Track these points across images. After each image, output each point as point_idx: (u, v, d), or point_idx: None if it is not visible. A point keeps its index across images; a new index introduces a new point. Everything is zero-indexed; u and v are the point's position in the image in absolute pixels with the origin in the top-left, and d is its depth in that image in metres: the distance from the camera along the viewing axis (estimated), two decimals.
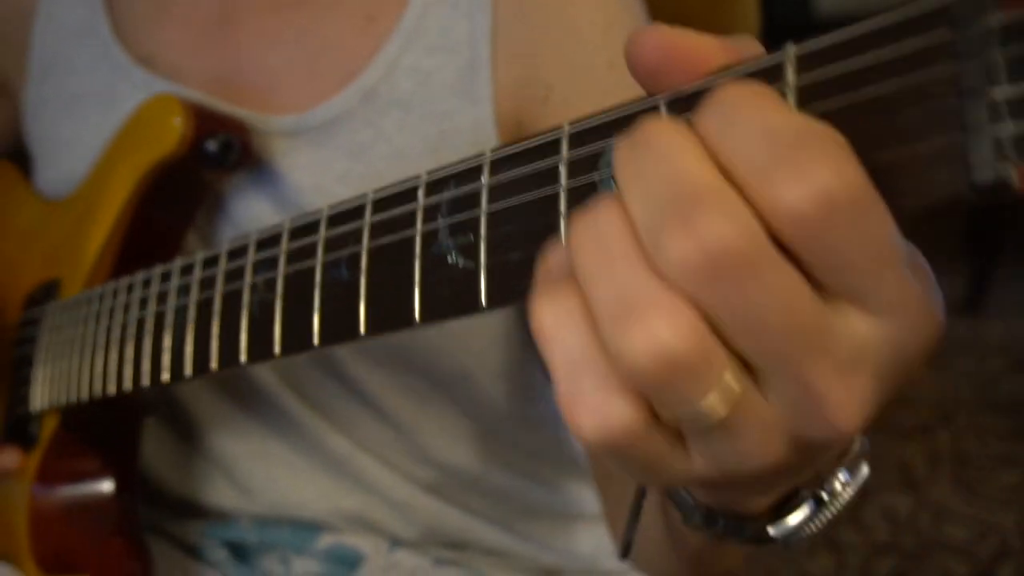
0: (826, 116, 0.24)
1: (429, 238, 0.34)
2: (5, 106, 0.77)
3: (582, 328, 0.25)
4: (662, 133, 0.24)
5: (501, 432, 0.70)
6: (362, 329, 0.37)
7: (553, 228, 0.30)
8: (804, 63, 0.25)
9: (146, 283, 0.51)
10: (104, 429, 0.61)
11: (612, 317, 0.24)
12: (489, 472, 0.70)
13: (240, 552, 0.71)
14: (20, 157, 0.77)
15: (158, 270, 0.51)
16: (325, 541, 0.69)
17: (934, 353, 0.25)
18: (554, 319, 0.26)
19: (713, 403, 0.24)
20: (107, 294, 0.55)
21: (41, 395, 0.60)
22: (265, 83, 0.63)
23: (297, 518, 0.69)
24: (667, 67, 0.27)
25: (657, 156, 0.24)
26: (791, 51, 0.25)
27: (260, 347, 0.42)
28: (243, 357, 0.43)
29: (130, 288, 0.53)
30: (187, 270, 0.48)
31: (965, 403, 1.92)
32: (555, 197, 0.30)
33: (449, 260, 0.34)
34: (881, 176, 0.23)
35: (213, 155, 0.57)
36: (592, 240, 0.25)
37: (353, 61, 0.61)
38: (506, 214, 0.32)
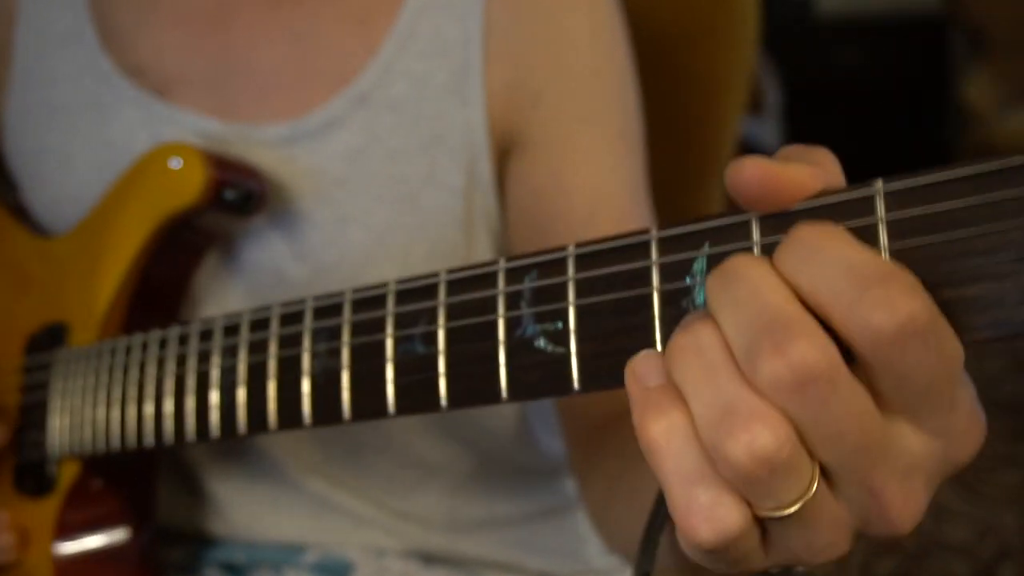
0: (913, 251, 0.28)
1: (512, 323, 0.37)
2: None
3: (690, 438, 0.29)
4: (751, 267, 0.29)
5: (492, 462, 0.73)
6: (443, 401, 0.39)
7: (645, 327, 0.33)
8: (893, 199, 0.29)
9: (182, 339, 0.52)
10: (124, 474, 0.62)
11: (717, 424, 0.28)
12: (473, 499, 0.73)
13: (233, 569, 0.73)
14: None
15: (195, 327, 0.52)
16: (313, 555, 0.71)
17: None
18: (663, 432, 0.29)
19: (798, 500, 0.28)
20: (135, 346, 0.55)
21: (61, 442, 0.60)
22: (258, 87, 0.63)
23: (284, 543, 0.72)
24: (766, 196, 0.30)
25: (749, 289, 0.28)
26: (879, 186, 0.29)
27: (326, 412, 0.44)
28: (307, 420, 0.45)
29: (163, 343, 0.54)
30: (232, 330, 0.49)
31: None
32: (648, 297, 0.34)
33: (537, 345, 0.36)
34: (960, 310, 0.27)
35: (232, 204, 0.58)
36: (694, 354, 0.29)
37: (347, 64, 0.62)
38: (596, 307, 0.35)
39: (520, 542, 0.74)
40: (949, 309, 0.27)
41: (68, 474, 0.61)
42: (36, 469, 0.62)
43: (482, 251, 0.65)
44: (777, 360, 0.27)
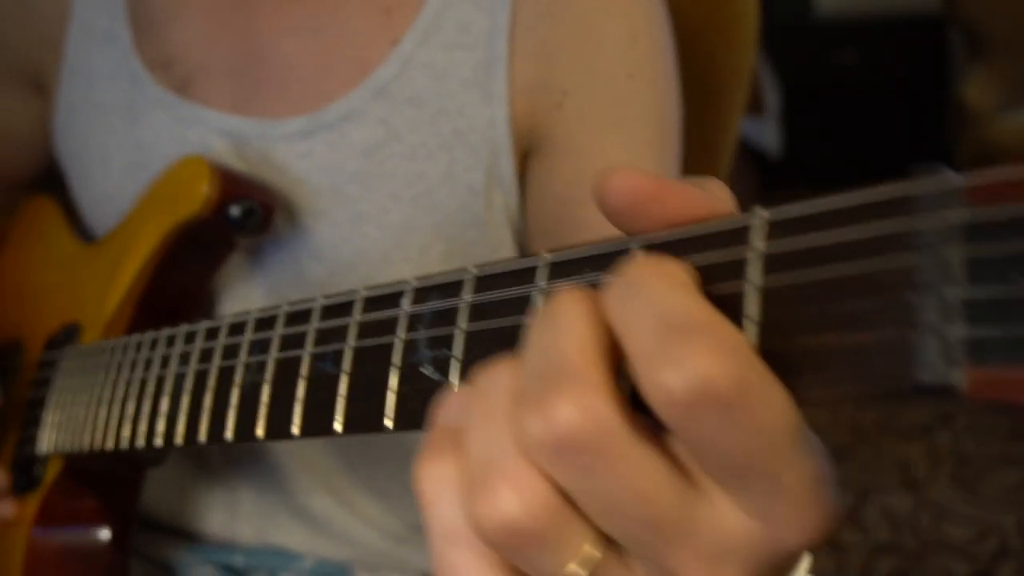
0: (786, 289, 0.24)
1: (410, 347, 0.35)
2: (41, 107, 0.76)
3: (456, 492, 0.25)
4: (566, 303, 0.25)
5: None
6: (338, 427, 0.37)
7: None
8: (774, 231, 0.25)
9: (153, 344, 0.52)
10: (107, 478, 0.62)
11: (475, 481, 0.24)
12: None
13: (230, 570, 0.71)
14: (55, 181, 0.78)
15: (165, 333, 0.51)
16: (310, 560, 0.70)
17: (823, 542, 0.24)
18: (433, 480, 0.26)
19: (573, 570, 0.23)
20: (119, 348, 0.56)
21: (48, 439, 0.61)
22: (279, 78, 0.63)
23: (283, 550, 0.70)
24: (633, 210, 0.26)
25: (552, 329, 0.24)
26: (762, 215, 0.25)
27: (245, 429, 0.42)
28: (229, 435, 0.43)
29: (139, 346, 0.54)
30: (190, 338, 0.49)
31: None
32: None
33: (422, 371, 0.34)
34: (824, 359, 0.22)
35: (235, 220, 0.59)
36: (481, 396, 0.25)
37: (368, 55, 0.61)
38: (481, 335, 0.32)
39: None
40: (803, 358, 0.23)
41: (52, 472, 0.61)
42: (27, 465, 0.63)
43: (503, 250, 0.63)
44: (538, 418, 0.23)
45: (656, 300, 0.23)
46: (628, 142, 0.59)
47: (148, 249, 0.61)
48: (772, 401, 0.22)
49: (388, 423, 0.34)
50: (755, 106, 2.61)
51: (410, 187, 0.60)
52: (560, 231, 0.58)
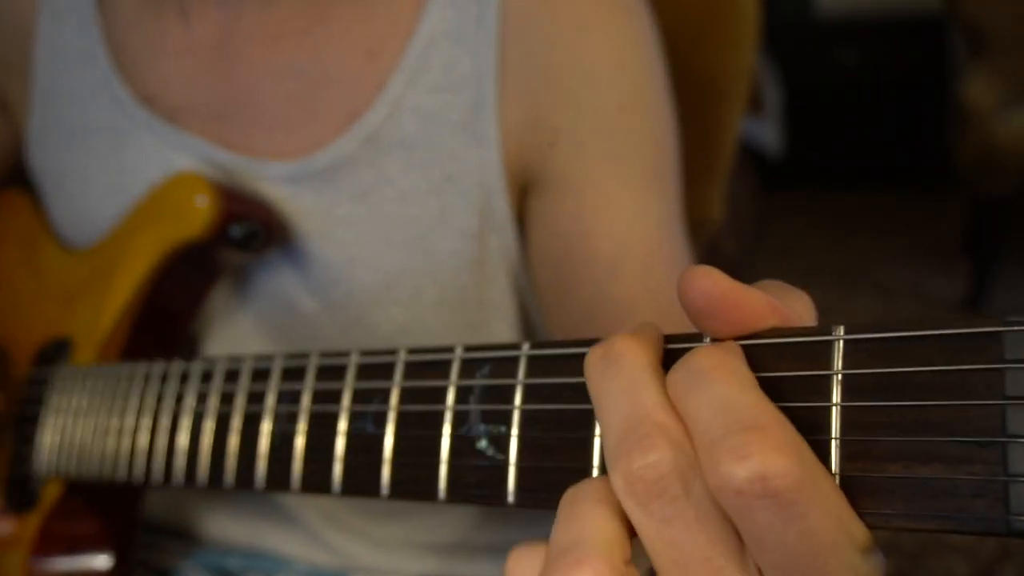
0: (865, 411, 0.25)
1: (460, 417, 0.35)
2: (5, 123, 0.74)
3: None
4: (633, 365, 0.27)
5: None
6: (384, 491, 0.37)
7: (585, 446, 0.31)
8: (852, 349, 0.26)
9: (164, 377, 0.52)
10: (107, 499, 0.61)
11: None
12: (487, 526, 0.71)
13: (224, 573, 0.72)
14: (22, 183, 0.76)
15: (177, 367, 0.51)
16: (305, 564, 0.71)
17: None
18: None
19: None
20: (123, 376, 0.55)
21: (48, 461, 0.60)
22: (264, 122, 0.62)
23: (278, 556, 0.71)
24: (712, 313, 0.27)
25: (623, 384, 0.27)
26: (840, 334, 0.26)
27: (279, 479, 0.42)
28: (260, 485, 0.43)
29: (147, 378, 0.53)
30: (207, 377, 0.48)
31: None
32: (589, 413, 0.31)
33: (479, 447, 0.34)
34: (915, 493, 0.24)
35: (237, 240, 0.58)
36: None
37: (355, 99, 0.60)
38: (540, 415, 0.32)
39: None
40: (895, 488, 0.24)
41: (51, 494, 0.61)
42: (22, 484, 0.62)
43: (497, 294, 0.63)
44: (630, 459, 0.25)
45: (723, 393, 0.25)
46: (625, 174, 0.58)
47: (145, 266, 0.60)
48: (828, 509, 0.23)
49: (441, 495, 0.35)
50: (755, 106, 2.61)
51: (402, 231, 0.60)
52: (563, 267, 0.58)
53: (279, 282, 0.62)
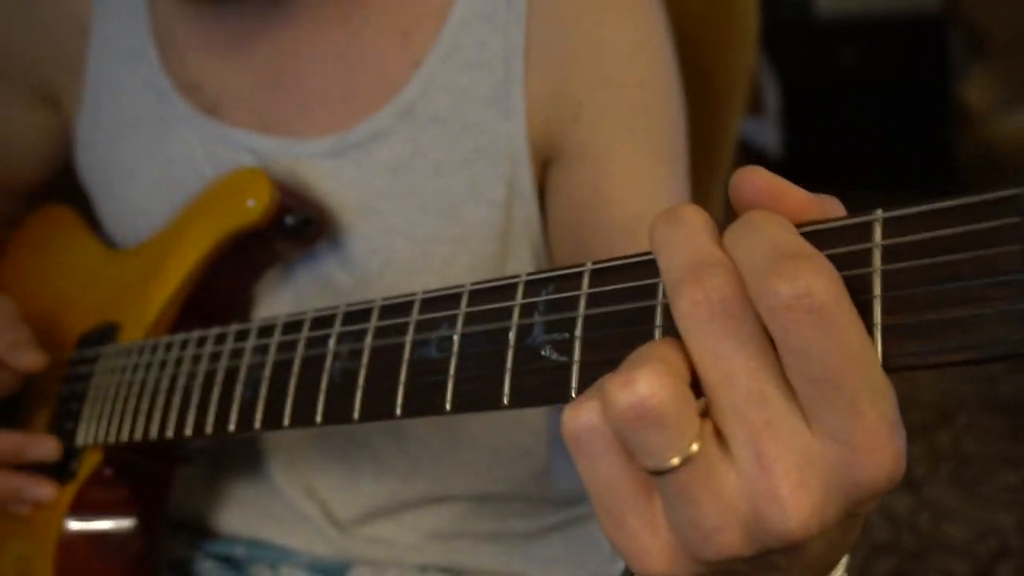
0: (906, 273, 0.29)
1: (524, 331, 0.39)
2: (54, 121, 0.77)
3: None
4: (695, 221, 0.31)
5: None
6: (448, 406, 0.41)
7: (645, 336, 0.35)
8: (890, 225, 0.30)
9: (219, 338, 0.55)
10: (142, 473, 0.64)
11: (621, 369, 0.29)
12: (484, 518, 0.73)
13: (229, 561, 0.73)
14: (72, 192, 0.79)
15: (234, 328, 0.54)
16: (309, 555, 0.72)
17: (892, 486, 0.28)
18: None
19: (677, 455, 0.27)
20: (175, 344, 0.58)
21: (87, 432, 0.62)
22: (304, 103, 0.66)
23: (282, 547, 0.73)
24: (761, 203, 0.31)
25: (686, 233, 0.30)
26: (879, 214, 0.30)
27: (338, 411, 0.45)
28: (319, 419, 0.46)
29: (201, 341, 0.56)
30: (266, 331, 0.52)
31: (965, 403, 1.94)
32: (651, 309, 0.35)
33: (543, 353, 0.38)
34: (948, 331, 0.28)
35: (290, 229, 0.62)
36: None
37: (391, 77, 0.64)
38: (603, 318, 0.36)
39: (525, 554, 0.74)
40: (930, 329, 0.28)
41: (89, 463, 0.63)
42: (65, 458, 0.64)
43: (520, 263, 0.67)
44: (694, 291, 0.28)
45: (772, 235, 0.29)
46: (642, 147, 0.63)
47: (199, 253, 0.64)
48: (860, 329, 0.27)
49: (505, 400, 0.38)
50: (755, 106, 2.65)
51: (436, 201, 0.64)
52: (580, 234, 0.63)
53: (316, 260, 0.66)
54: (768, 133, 2.76)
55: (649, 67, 0.64)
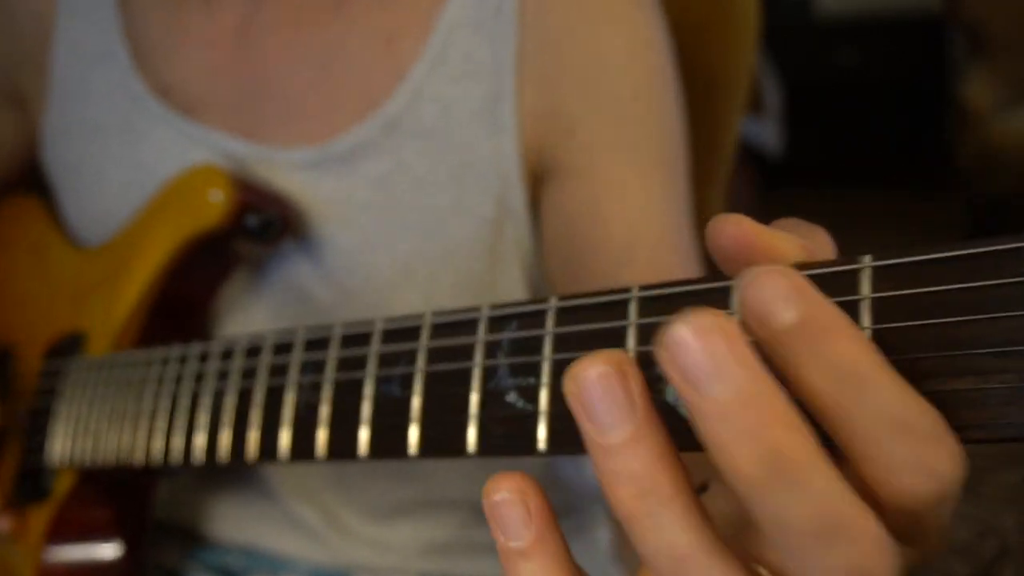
0: (894, 333, 0.26)
1: (489, 372, 0.36)
2: (20, 120, 0.75)
3: None
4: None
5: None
6: (412, 450, 0.38)
7: None
8: (880, 276, 0.26)
9: (182, 359, 0.52)
10: (121, 489, 0.62)
11: None
12: (486, 526, 0.72)
13: (227, 572, 0.72)
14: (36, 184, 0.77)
15: (196, 348, 0.51)
16: (309, 563, 0.71)
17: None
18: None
19: None
20: (140, 363, 0.55)
21: (61, 451, 0.60)
22: (284, 110, 0.63)
23: (280, 556, 0.71)
24: (743, 257, 0.28)
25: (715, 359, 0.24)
26: (867, 261, 0.27)
27: (303, 448, 0.43)
28: (284, 455, 0.44)
29: (165, 361, 0.53)
30: (227, 355, 0.49)
31: None
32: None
33: (507, 399, 0.35)
34: (947, 406, 0.24)
35: (253, 230, 0.59)
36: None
37: (375, 86, 0.61)
38: (571, 362, 0.33)
39: None
40: (938, 404, 0.24)
41: (64, 484, 0.61)
42: (34, 475, 0.62)
43: (510, 283, 0.64)
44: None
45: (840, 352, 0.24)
46: (640, 160, 0.60)
47: (161, 257, 0.60)
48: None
49: (471, 449, 0.36)
50: (755, 106, 2.62)
51: (420, 217, 0.61)
52: (575, 251, 0.60)
53: (293, 273, 0.63)
54: (768, 133, 2.69)
55: (645, 78, 0.61)
